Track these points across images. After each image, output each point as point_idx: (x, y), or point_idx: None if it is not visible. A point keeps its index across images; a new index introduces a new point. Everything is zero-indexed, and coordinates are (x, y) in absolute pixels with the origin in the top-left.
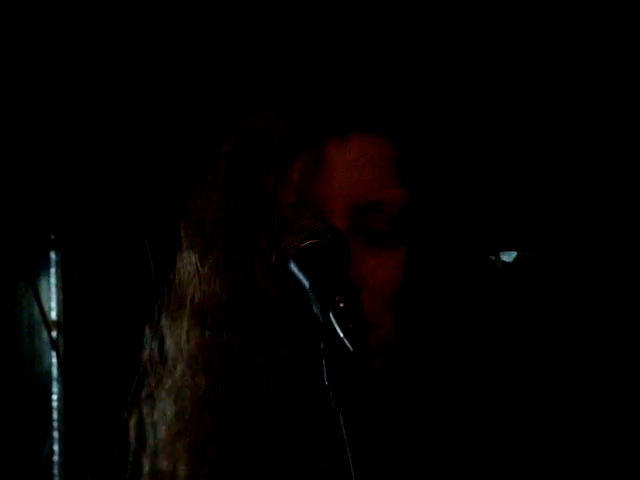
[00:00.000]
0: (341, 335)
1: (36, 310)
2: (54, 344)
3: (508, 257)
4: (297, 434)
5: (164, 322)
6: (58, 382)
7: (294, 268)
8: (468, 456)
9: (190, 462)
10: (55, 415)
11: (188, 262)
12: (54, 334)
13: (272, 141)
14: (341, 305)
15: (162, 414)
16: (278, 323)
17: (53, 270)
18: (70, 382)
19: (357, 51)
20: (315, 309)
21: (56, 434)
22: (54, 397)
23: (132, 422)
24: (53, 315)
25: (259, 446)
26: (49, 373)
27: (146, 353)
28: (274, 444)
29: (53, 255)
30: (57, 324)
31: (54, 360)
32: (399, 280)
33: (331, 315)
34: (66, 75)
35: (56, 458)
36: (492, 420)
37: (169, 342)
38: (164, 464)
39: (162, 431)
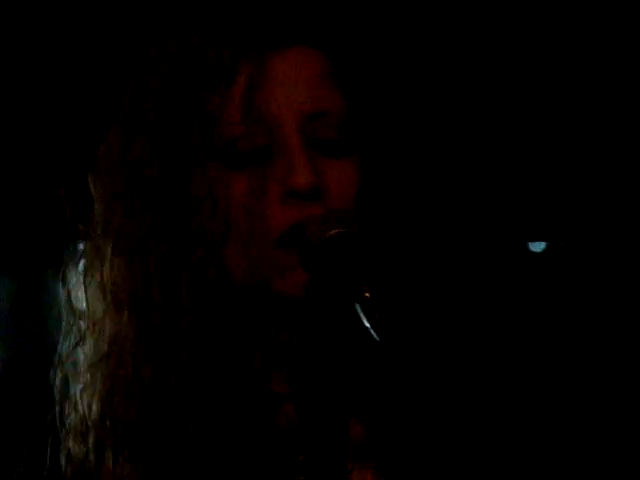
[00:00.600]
0: (367, 325)
1: (64, 300)
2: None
3: (537, 247)
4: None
5: (81, 276)
6: None
7: (320, 257)
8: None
9: (108, 399)
10: None
11: (105, 206)
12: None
13: (207, 62)
14: (367, 295)
15: (85, 360)
16: (209, 240)
17: (82, 261)
18: None
19: None
20: (341, 299)
21: None
22: None
23: (57, 379)
24: (81, 305)
25: (192, 386)
26: None
27: (66, 309)
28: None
29: (81, 245)
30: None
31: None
32: (356, 186)
33: (357, 305)
34: None
35: None
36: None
37: (90, 291)
38: (86, 405)
39: (84, 375)
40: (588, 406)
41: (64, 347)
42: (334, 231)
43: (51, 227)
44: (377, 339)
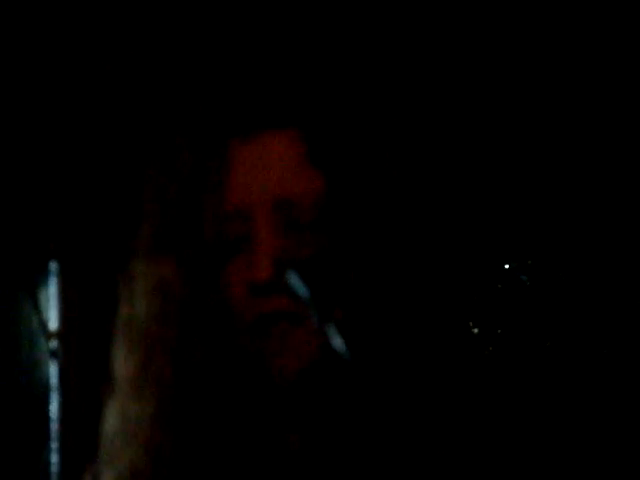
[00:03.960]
0: (338, 347)
1: (35, 320)
2: (53, 354)
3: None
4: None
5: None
6: (57, 392)
7: (293, 278)
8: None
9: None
10: (54, 425)
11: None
12: (53, 344)
13: (184, 160)
14: (339, 317)
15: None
16: (210, 323)
17: (52, 280)
18: (69, 392)
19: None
20: (314, 319)
21: (55, 444)
22: (53, 407)
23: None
24: (52, 325)
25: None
26: (48, 383)
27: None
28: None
29: (53, 265)
30: (57, 334)
31: (53, 370)
32: (330, 261)
33: (329, 327)
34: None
35: (54, 469)
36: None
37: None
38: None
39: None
40: (586, 405)
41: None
42: (304, 255)
43: (21, 248)
44: (349, 361)
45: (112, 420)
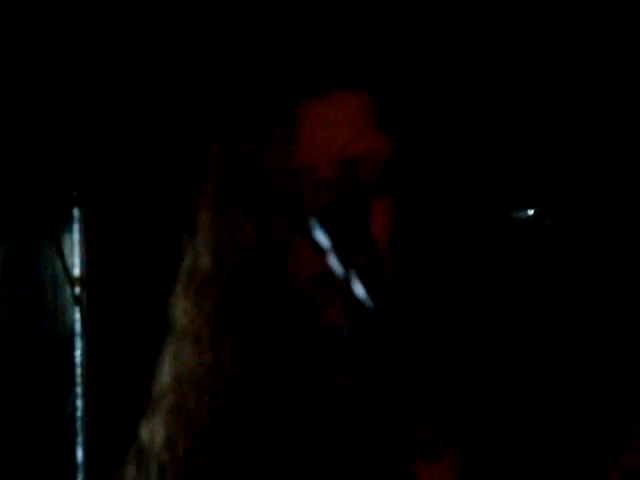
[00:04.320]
0: (361, 293)
1: (59, 267)
2: (77, 300)
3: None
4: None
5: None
6: (81, 338)
7: (314, 226)
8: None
9: (176, 435)
10: (78, 371)
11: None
12: (77, 290)
13: (253, 115)
14: (362, 264)
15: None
16: (267, 276)
17: (76, 227)
18: (93, 338)
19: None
20: (336, 268)
21: (79, 390)
22: (77, 353)
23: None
24: (76, 272)
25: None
26: (72, 329)
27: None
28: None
29: (76, 212)
30: (80, 280)
31: (77, 316)
32: (388, 230)
33: (352, 274)
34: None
35: (79, 414)
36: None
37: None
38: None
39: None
40: (587, 401)
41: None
42: (327, 200)
43: (45, 195)
44: (371, 307)
45: (168, 367)
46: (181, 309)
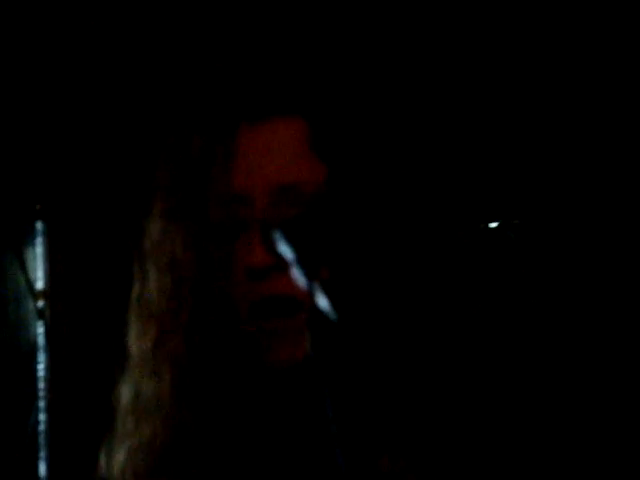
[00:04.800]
0: (324, 306)
1: (22, 280)
2: (40, 314)
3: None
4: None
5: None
6: (44, 351)
7: (278, 239)
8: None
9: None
10: (41, 384)
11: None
12: (40, 304)
13: (193, 144)
14: (325, 276)
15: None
16: (211, 305)
17: (39, 240)
18: (56, 351)
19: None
20: (300, 280)
21: (42, 403)
22: (40, 366)
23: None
24: (39, 285)
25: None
26: (35, 343)
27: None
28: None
29: (39, 225)
30: (43, 293)
31: (40, 330)
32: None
33: (315, 285)
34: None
35: (42, 428)
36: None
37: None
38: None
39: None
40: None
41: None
42: (290, 213)
43: (8, 208)
44: (334, 320)
45: (126, 396)
46: (133, 335)
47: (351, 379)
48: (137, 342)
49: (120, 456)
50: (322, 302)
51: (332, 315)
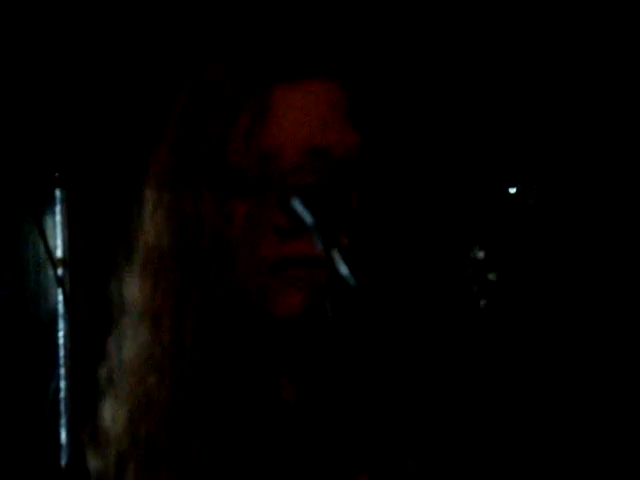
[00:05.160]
0: (344, 272)
1: (42, 248)
2: (60, 281)
3: (511, 189)
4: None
5: (119, 281)
6: (64, 319)
7: (297, 205)
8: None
9: (134, 417)
10: (61, 352)
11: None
12: (60, 271)
13: (222, 93)
14: (344, 242)
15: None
16: (228, 257)
17: (58, 208)
18: (76, 319)
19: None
20: (319, 246)
21: (62, 371)
22: (60, 334)
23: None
24: (59, 253)
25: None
26: (55, 310)
27: (113, 310)
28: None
29: (58, 193)
30: (63, 261)
31: (60, 297)
32: (351, 218)
33: (334, 252)
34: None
35: (62, 395)
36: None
37: (125, 299)
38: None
39: (107, 388)
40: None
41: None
42: (310, 179)
43: (27, 176)
44: (353, 285)
45: (128, 347)
46: (138, 288)
47: (368, 346)
48: (148, 295)
49: (122, 416)
50: (341, 268)
51: (351, 281)
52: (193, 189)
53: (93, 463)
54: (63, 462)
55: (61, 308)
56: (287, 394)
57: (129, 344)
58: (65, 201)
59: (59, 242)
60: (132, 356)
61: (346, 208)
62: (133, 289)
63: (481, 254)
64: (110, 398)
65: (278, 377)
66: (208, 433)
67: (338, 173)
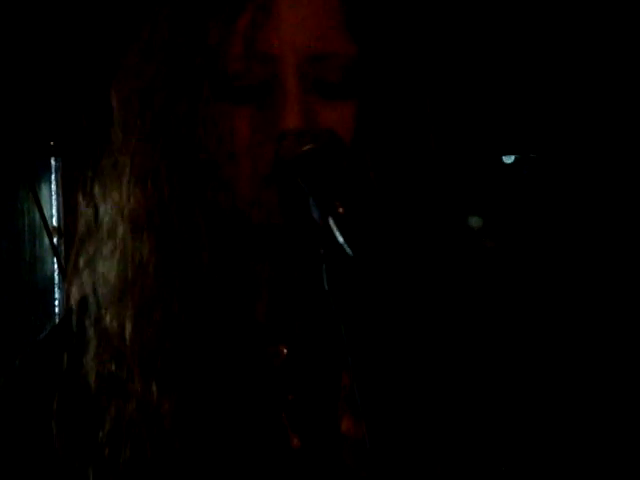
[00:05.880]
0: (340, 240)
1: (37, 216)
2: (55, 250)
3: (507, 159)
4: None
5: (97, 189)
6: (59, 288)
7: (293, 173)
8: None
9: (135, 323)
10: (57, 320)
11: (123, 125)
12: (55, 240)
13: None
14: (340, 210)
15: (104, 279)
16: (220, 176)
17: (53, 177)
18: None
19: None
20: (315, 215)
21: None
22: (56, 302)
23: (73, 289)
24: (54, 221)
25: (204, 313)
26: (51, 279)
27: (82, 221)
28: (218, 315)
29: (53, 162)
30: (58, 230)
31: (55, 266)
32: (352, 131)
33: (330, 220)
34: None
35: None
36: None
37: (106, 207)
38: (109, 325)
39: (105, 294)
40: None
41: (81, 259)
42: (307, 147)
43: (22, 145)
44: (350, 254)
45: (114, 264)
46: (127, 202)
47: (365, 316)
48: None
49: (129, 322)
50: (338, 237)
51: (348, 250)
52: (190, 99)
53: (95, 368)
54: None
55: (56, 277)
56: (274, 328)
57: (130, 253)
58: (60, 170)
59: (54, 211)
60: (119, 273)
61: (342, 176)
62: (120, 203)
63: (478, 222)
64: (110, 306)
65: (267, 306)
66: (200, 350)
67: (330, 141)
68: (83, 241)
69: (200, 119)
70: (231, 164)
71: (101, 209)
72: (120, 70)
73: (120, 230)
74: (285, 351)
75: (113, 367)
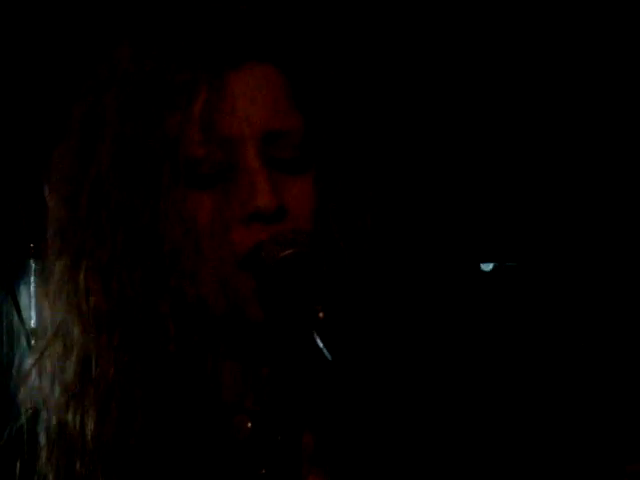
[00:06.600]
0: (320, 345)
1: (15, 318)
2: None
3: (486, 267)
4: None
5: (52, 290)
6: None
7: (274, 278)
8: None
9: (97, 420)
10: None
11: (69, 223)
12: (33, 342)
13: (164, 81)
14: (321, 315)
15: (59, 379)
16: (182, 263)
17: (32, 279)
18: None
19: None
20: (297, 321)
21: None
22: None
23: (21, 393)
24: (32, 323)
25: (167, 403)
26: None
27: (41, 323)
28: (180, 404)
29: (32, 264)
30: (36, 332)
31: None
32: (315, 203)
33: (313, 328)
34: None
35: None
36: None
37: (60, 307)
38: (69, 424)
39: (58, 396)
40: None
41: (26, 363)
42: (288, 252)
43: (1, 247)
44: (330, 359)
45: (69, 363)
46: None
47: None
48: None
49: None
50: (318, 341)
51: (327, 354)
52: (148, 190)
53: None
54: None
55: None
56: (235, 400)
57: (84, 351)
58: (39, 272)
59: (33, 313)
60: (88, 362)
61: (322, 281)
62: (89, 297)
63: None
64: (59, 403)
65: (231, 383)
66: (160, 436)
67: (307, 246)
68: (36, 343)
69: (161, 208)
70: (195, 252)
71: (57, 309)
72: (54, 165)
73: (75, 329)
74: (249, 425)
75: (74, 466)
